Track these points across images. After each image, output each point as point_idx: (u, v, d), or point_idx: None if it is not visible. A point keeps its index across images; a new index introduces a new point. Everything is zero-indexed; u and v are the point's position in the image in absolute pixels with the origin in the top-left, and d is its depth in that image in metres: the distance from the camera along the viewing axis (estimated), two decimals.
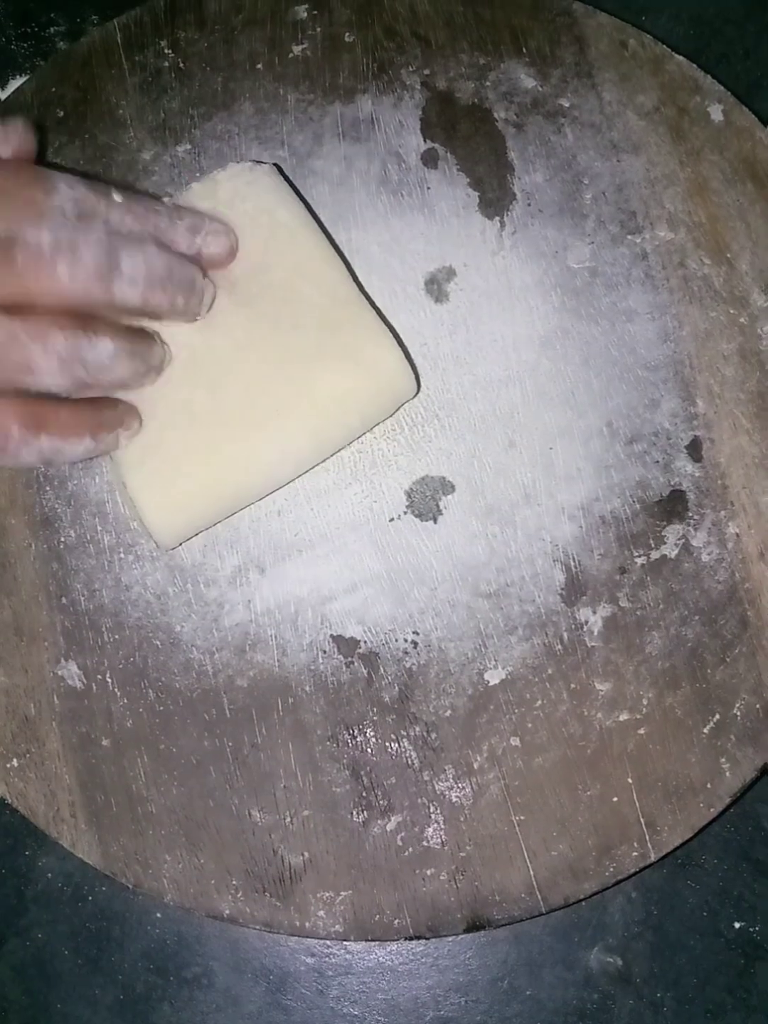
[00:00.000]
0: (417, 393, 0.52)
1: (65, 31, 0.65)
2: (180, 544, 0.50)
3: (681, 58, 0.56)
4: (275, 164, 0.52)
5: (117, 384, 0.46)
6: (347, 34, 0.57)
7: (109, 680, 0.51)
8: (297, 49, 0.57)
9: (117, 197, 0.46)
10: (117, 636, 0.51)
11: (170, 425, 0.48)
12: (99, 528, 0.52)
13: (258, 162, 0.52)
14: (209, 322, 0.49)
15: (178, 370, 0.48)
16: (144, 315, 0.47)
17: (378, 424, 0.52)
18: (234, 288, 0.49)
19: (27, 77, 0.62)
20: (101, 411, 0.46)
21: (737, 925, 0.53)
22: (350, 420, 0.49)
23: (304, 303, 0.49)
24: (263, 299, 0.49)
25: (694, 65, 0.56)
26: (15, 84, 0.64)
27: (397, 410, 0.52)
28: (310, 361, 0.48)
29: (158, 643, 0.51)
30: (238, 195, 0.50)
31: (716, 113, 0.56)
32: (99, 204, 0.45)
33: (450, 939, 0.53)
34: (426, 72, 0.57)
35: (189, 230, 0.48)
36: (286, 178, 0.52)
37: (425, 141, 0.56)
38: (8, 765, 0.51)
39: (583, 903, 0.50)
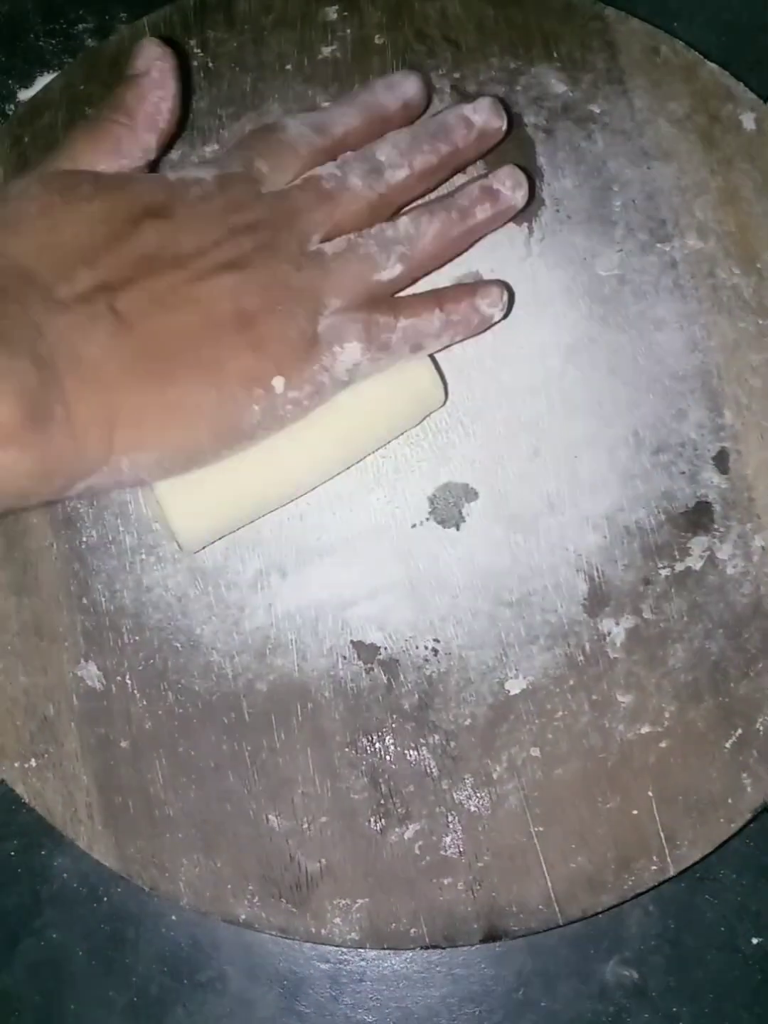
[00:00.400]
0: (445, 403, 0.52)
1: (94, 28, 0.65)
2: (203, 548, 0.50)
3: (713, 65, 0.56)
4: None
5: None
6: (377, 36, 0.57)
7: (129, 682, 0.51)
8: (327, 50, 0.57)
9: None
10: (137, 638, 0.51)
11: None
12: (121, 529, 0.52)
13: None
14: None
15: None
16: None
17: (404, 432, 0.52)
18: None
19: (55, 74, 0.62)
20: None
21: (755, 941, 0.53)
22: (377, 429, 0.49)
23: None
24: None
25: (726, 73, 0.56)
26: (43, 81, 0.64)
27: (424, 419, 0.52)
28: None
29: (178, 645, 0.51)
30: None
31: (748, 122, 0.55)
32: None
33: (465, 949, 0.53)
34: (456, 75, 0.56)
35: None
36: None
37: None
38: (26, 765, 0.51)
39: (600, 916, 0.50)
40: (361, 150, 0.49)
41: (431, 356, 0.50)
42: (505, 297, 0.49)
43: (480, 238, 0.51)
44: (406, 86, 0.51)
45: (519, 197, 0.50)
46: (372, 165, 0.48)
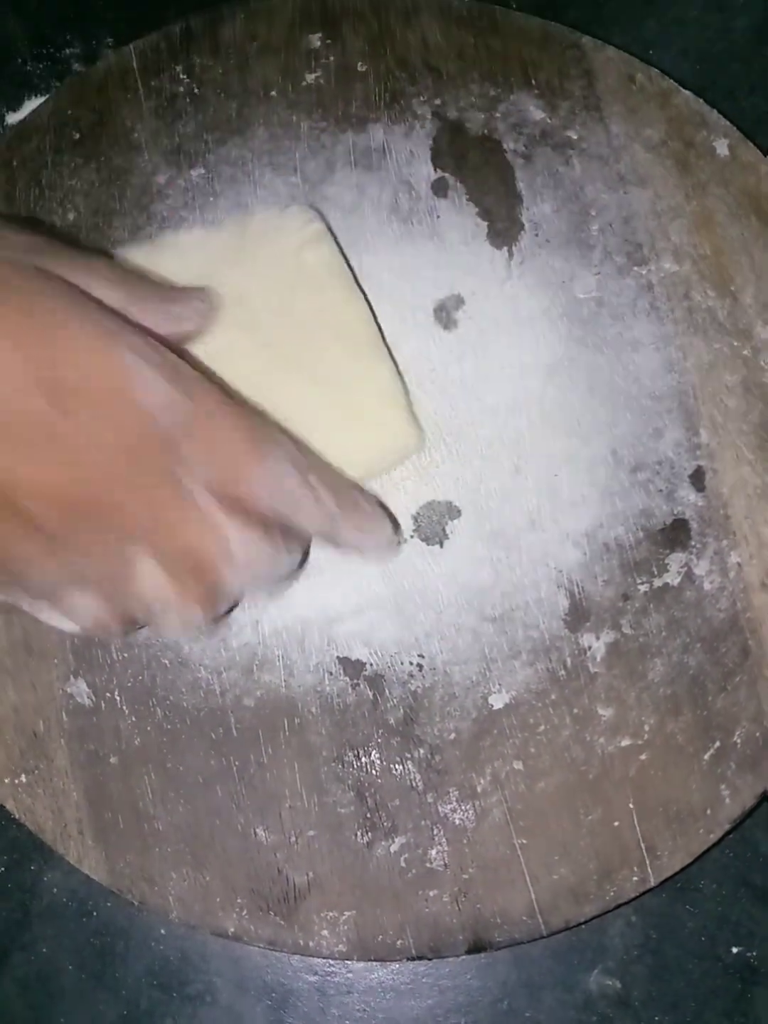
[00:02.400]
0: (421, 447, 0.53)
1: (81, 54, 0.66)
2: None
3: (688, 93, 0.57)
4: (316, 209, 0.54)
5: None
6: (360, 63, 0.58)
7: (118, 698, 0.52)
8: (310, 77, 0.58)
9: None
10: (126, 655, 0.52)
11: None
12: None
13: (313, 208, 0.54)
14: (229, 358, 0.49)
15: None
16: None
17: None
18: (256, 328, 0.50)
19: (43, 99, 0.63)
20: None
21: (735, 950, 0.54)
22: (353, 473, 0.50)
23: (323, 350, 0.50)
24: (284, 342, 0.50)
25: (700, 100, 0.57)
26: (31, 105, 0.65)
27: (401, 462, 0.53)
28: (320, 413, 0.49)
29: (166, 662, 0.52)
30: (268, 233, 0.51)
31: (722, 147, 0.56)
32: None
33: (451, 960, 0.53)
34: (437, 102, 0.58)
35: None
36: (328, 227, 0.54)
37: (435, 170, 0.57)
38: (16, 781, 0.51)
39: (583, 926, 0.51)
40: None
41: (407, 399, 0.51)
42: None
43: None
44: None
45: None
46: None
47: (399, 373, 0.52)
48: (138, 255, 0.52)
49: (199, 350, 0.49)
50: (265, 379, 0.49)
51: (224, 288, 0.50)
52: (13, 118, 0.64)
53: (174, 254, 0.52)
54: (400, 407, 0.51)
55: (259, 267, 0.52)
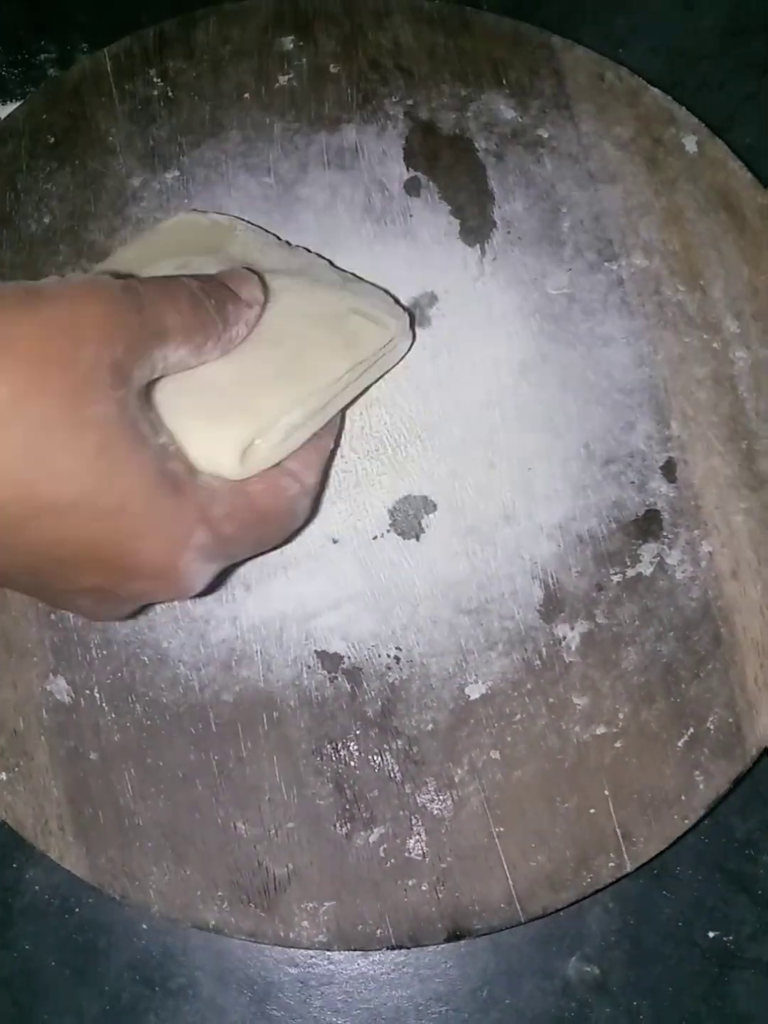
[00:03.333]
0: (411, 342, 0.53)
1: (56, 58, 0.67)
2: None
3: (656, 90, 0.58)
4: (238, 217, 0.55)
5: None
6: (332, 65, 0.59)
7: (97, 695, 0.52)
8: (283, 79, 0.59)
9: None
10: (105, 652, 0.52)
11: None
12: None
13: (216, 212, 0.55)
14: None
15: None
16: None
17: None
18: None
19: (18, 103, 0.63)
20: None
21: (711, 934, 0.54)
22: (341, 365, 0.49)
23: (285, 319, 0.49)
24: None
25: (669, 97, 0.58)
26: (6, 110, 0.65)
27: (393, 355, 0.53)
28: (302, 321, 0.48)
29: (145, 658, 0.52)
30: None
31: (690, 144, 0.57)
32: None
33: (431, 949, 0.54)
34: (409, 102, 0.58)
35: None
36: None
37: (408, 170, 0.58)
38: None
39: (561, 913, 0.51)
40: None
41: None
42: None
43: None
44: None
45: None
46: None
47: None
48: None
49: None
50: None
51: None
52: None
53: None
54: (382, 298, 0.51)
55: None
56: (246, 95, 0.59)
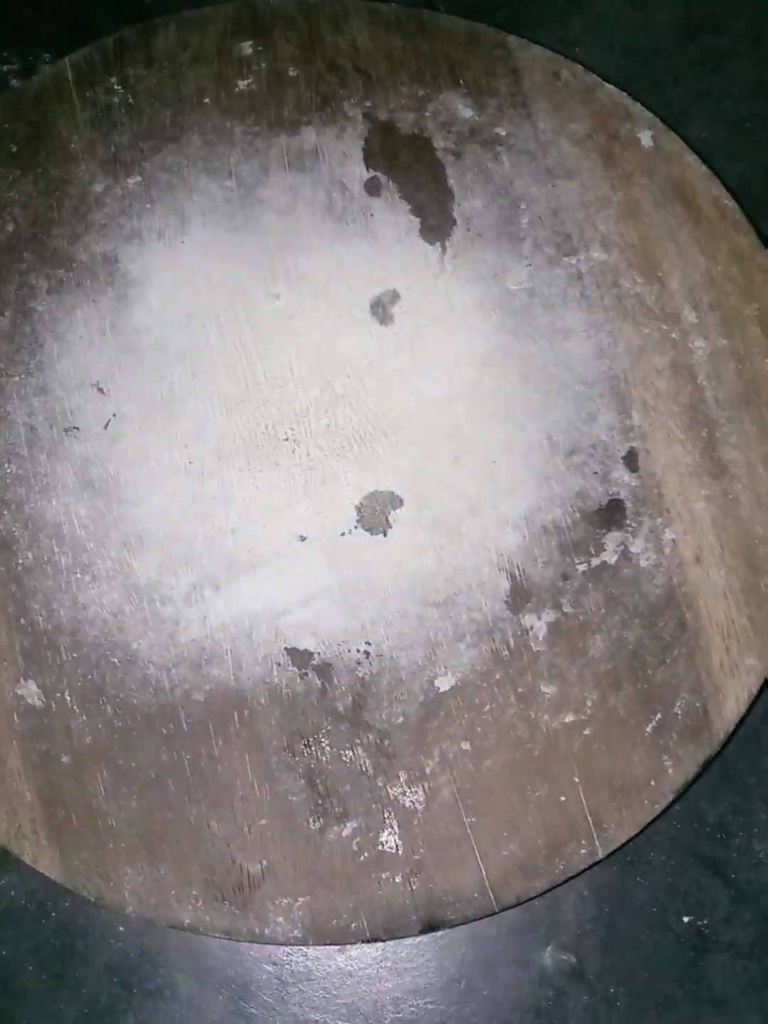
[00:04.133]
0: None
1: (18, 69, 0.67)
2: None
3: (611, 87, 0.59)
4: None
5: None
6: (291, 69, 0.59)
7: (68, 698, 0.52)
8: (243, 84, 0.59)
9: None
10: (75, 655, 0.52)
11: None
12: (55, 550, 0.53)
13: None
14: None
15: None
16: None
17: None
18: None
19: None
20: None
21: (686, 919, 0.55)
22: None
23: None
24: None
25: (624, 93, 0.59)
26: None
27: None
28: None
29: (115, 660, 0.52)
30: None
31: (646, 139, 0.58)
32: None
33: (408, 943, 0.54)
34: (368, 104, 0.59)
35: None
36: None
37: (368, 170, 0.58)
38: None
39: (536, 902, 0.51)
40: None
41: None
42: None
43: None
44: None
45: None
46: None
47: None
48: None
49: None
50: None
51: None
52: None
53: None
54: None
55: None
56: (206, 100, 0.59)
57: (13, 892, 0.55)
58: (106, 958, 0.54)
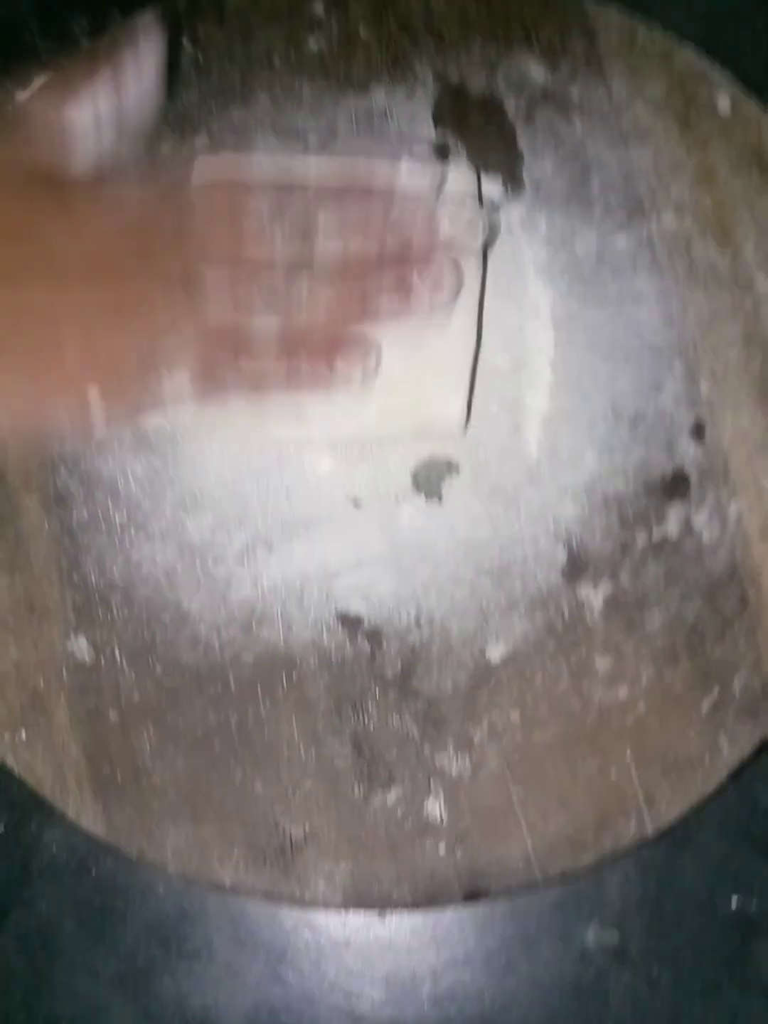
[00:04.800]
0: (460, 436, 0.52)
1: (89, 29, 0.67)
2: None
3: (689, 50, 0.57)
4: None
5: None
6: (362, 28, 0.59)
7: (118, 655, 0.52)
8: (313, 44, 0.59)
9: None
10: (126, 612, 0.52)
11: None
12: (111, 507, 0.53)
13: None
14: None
15: None
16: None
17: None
18: None
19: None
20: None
21: (735, 903, 0.53)
22: (388, 429, 0.51)
23: None
24: None
25: (701, 57, 0.57)
26: (40, 82, 0.65)
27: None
28: (383, 386, 0.49)
29: (166, 619, 0.52)
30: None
31: (723, 103, 0.56)
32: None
33: (448, 915, 0.53)
34: (439, 65, 0.58)
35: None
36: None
37: (437, 132, 0.57)
38: (17, 737, 0.51)
39: (580, 878, 0.50)
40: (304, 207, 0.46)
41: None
42: (371, 362, 0.47)
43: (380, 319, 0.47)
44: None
45: (435, 301, 0.47)
46: (306, 226, 0.46)
47: (478, 349, 0.51)
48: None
49: None
50: None
51: None
52: (23, 95, 0.65)
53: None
54: (460, 392, 0.50)
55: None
56: (276, 60, 0.58)
57: (54, 847, 0.55)
58: (145, 917, 0.54)
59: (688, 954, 0.52)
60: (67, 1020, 0.54)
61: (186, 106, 0.58)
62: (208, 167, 0.53)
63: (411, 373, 0.50)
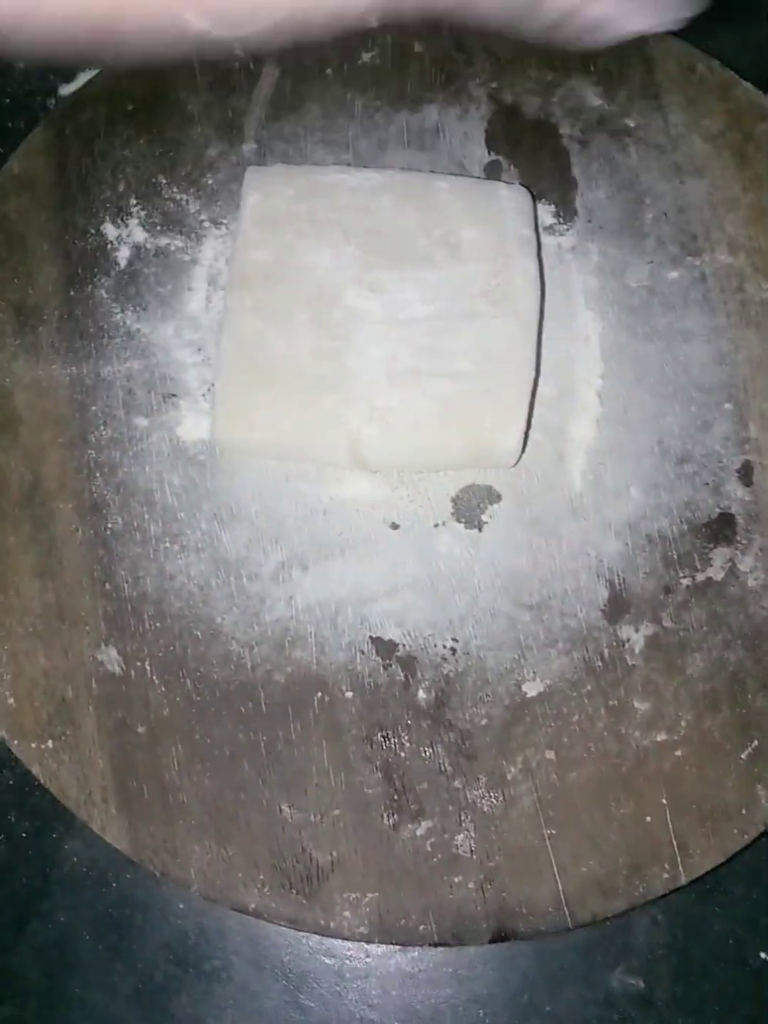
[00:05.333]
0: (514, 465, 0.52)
1: None
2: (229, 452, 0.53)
3: (748, 84, 0.57)
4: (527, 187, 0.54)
5: None
6: (416, 44, 0.58)
7: (148, 667, 0.51)
8: (367, 56, 0.58)
9: None
10: (158, 624, 0.52)
11: (287, 356, 0.50)
12: (146, 517, 0.53)
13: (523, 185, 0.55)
14: (377, 282, 0.50)
15: (321, 313, 0.50)
16: None
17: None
18: (432, 265, 0.51)
19: (96, 71, 0.63)
20: None
21: (764, 955, 0.53)
22: (442, 459, 0.51)
23: (479, 332, 0.50)
24: (451, 297, 0.50)
25: (761, 92, 0.57)
26: (84, 78, 0.64)
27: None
28: (445, 385, 0.49)
29: (198, 634, 0.52)
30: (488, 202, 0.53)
31: None
32: None
33: (471, 950, 0.52)
34: (493, 85, 0.57)
35: None
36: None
37: (489, 153, 0.57)
38: (43, 746, 0.51)
39: (608, 923, 0.50)
40: None
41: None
42: None
43: None
44: None
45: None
46: None
47: (535, 384, 0.51)
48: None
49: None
50: (405, 325, 0.50)
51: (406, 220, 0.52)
52: (66, 90, 0.64)
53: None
54: (518, 422, 0.50)
55: (453, 213, 0.52)
56: (328, 70, 0.58)
57: (76, 858, 0.54)
58: (164, 935, 0.54)
59: (714, 1005, 0.52)
60: None
61: (235, 113, 0.57)
62: (259, 177, 0.53)
63: (468, 401, 0.49)
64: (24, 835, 0.55)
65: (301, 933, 0.51)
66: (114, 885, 0.54)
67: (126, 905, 0.54)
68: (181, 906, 0.54)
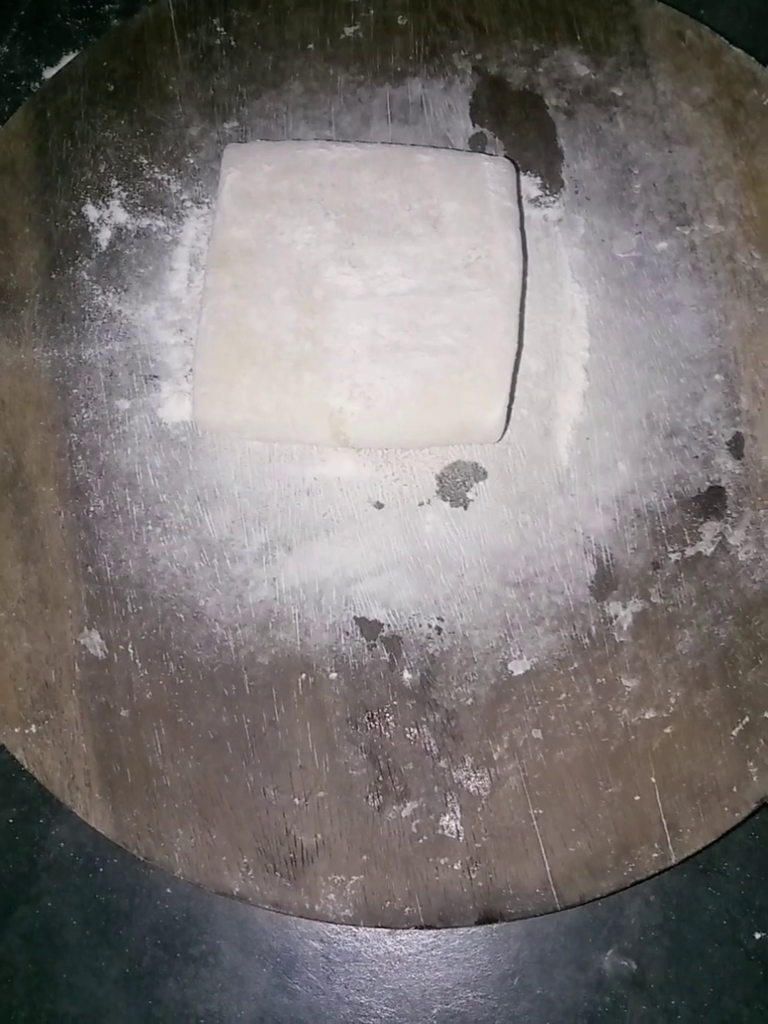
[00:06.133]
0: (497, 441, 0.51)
1: (119, 9, 0.66)
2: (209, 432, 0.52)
3: (739, 51, 0.56)
4: (512, 159, 0.54)
5: None
6: (400, 17, 0.57)
7: (131, 651, 0.51)
8: (349, 30, 0.57)
9: None
10: (141, 607, 0.51)
11: (267, 335, 0.49)
12: (128, 499, 0.52)
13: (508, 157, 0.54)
14: (357, 257, 0.50)
15: (301, 290, 0.50)
16: None
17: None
18: (412, 239, 0.50)
19: (79, 52, 0.62)
20: None
21: (758, 936, 0.52)
22: (426, 436, 0.50)
23: (460, 306, 0.49)
24: (432, 271, 0.50)
25: (752, 58, 0.55)
26: (68, 59, 0.64)
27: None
28: (428, 361, 0.49)
29: (181, 616, 0.51)
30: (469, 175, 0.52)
31: None
32: None
33: (461, 932, 0.52)
34: (478, 57, 0.56)
35: None
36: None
37: (474, 126, 0.56)
38: (26, 731, 0.50)
39: (599, 904, 0.49)
40: None
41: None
42: None
43: None
44: None
45: None
46: None
47: (519, 357, 0.50)
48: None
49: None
50: (386, 299, 0.49)
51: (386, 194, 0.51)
52: (50, 73, 0.64)
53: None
54: (500, 397, 0.49)
55: (434, 186, 0.51)
56: (310, 45, 0.57)
57: (62, 844, 0.54)
58: (151, 919, 0.53)
59: (708, 986, 0.51)
60: (70, 1019, 0.53)
61: (217, 91, 0.57)
62: (238, 154, 0.52)
63: (450, 376, 0.48)
64: (10, 821, 0.55)
65: (289, 917, 0.51)
66: (101, 870, 0.54)
67: (113, 890, 0.53)
68: (168, 891, 0.53)
